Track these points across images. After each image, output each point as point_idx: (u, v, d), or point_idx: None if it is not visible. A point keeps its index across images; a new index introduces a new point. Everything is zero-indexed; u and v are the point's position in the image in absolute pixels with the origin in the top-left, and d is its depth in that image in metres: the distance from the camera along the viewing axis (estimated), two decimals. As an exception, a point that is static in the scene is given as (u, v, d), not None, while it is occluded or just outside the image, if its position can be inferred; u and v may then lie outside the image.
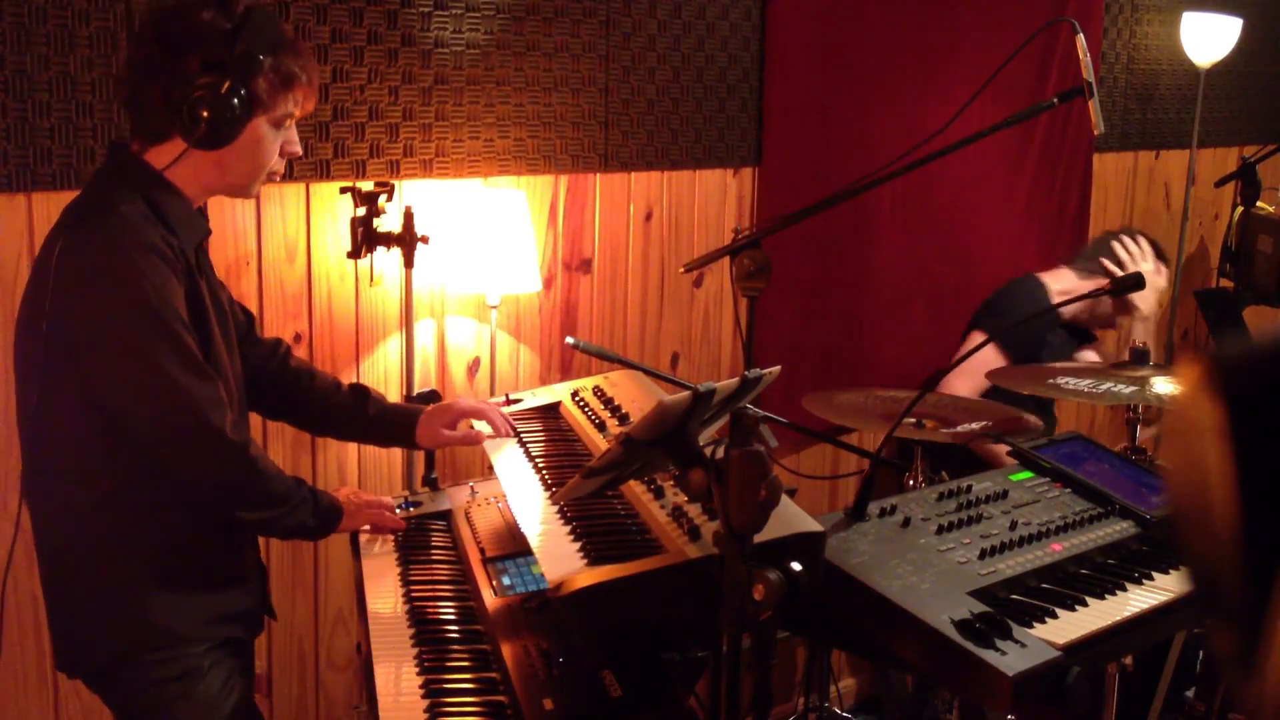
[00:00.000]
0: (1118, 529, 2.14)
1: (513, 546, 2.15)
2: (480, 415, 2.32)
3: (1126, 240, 3.75)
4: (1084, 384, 2.78)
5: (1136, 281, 2.62)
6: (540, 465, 2.13)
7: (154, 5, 2.05)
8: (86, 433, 1.92)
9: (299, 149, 2.05)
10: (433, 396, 2.48)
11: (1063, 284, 3.75)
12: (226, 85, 1.86)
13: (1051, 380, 2.84)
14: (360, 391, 2.33)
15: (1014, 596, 1.87)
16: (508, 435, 2.29)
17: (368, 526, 2.26)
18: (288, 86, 1.95)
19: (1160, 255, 3.78)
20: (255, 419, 2.31)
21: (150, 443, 1.91)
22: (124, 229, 1.86)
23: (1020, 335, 3.50)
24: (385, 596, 2.09)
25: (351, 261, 2.76)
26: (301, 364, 2.33)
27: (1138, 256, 3.71)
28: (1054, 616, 1.82)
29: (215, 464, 1.92)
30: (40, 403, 1.91)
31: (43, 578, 2.04)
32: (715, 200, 3.49)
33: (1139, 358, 2.92)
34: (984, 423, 2.81)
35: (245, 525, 2.10)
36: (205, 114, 1.86)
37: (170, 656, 1.98)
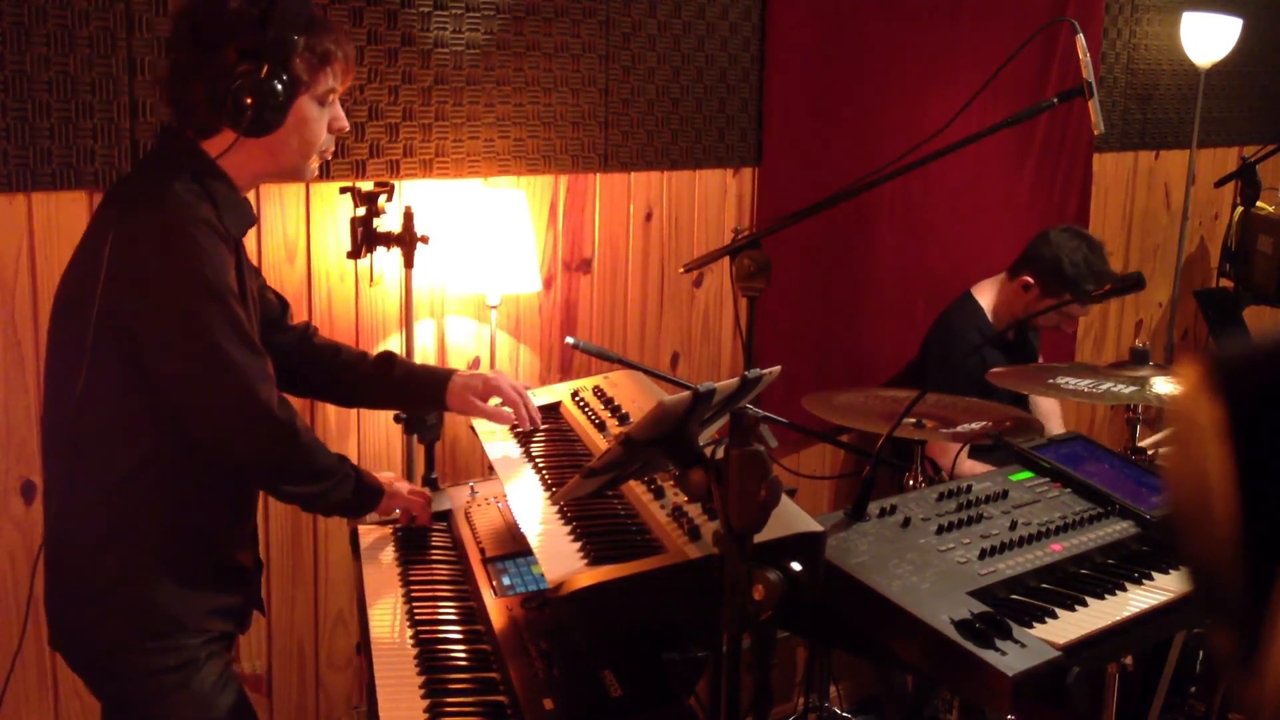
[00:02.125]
0: (1118, 529, 2.14)
1: (513, 546, 2.15)
2: (511, 403, 2.31)
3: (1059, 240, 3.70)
4: (1084, 384, 2.78)
5: (1137, 281, 2.63)
6: (540, 465, 2.13)
7: (183, 3, 2.08)
8: (120, 413, 1.93)
9: (346, 123, 2.07)
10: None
11: (992, 295, 3.79)
12: (265, 70, 1.89)
13: (1051, 380, 2.84)
14: (386, 357, 2.34)
15: (1014, 596, 1.88)
16: (531, 426, 2.29)
17: (397, 511, 2.28)
18: (325, 62, 1.98)
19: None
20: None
21: (199, 417, 1.93)
22: (179, 206, 1.89)
23: (961, 372, 3.48)
24: (385, 596, 2.09)
25: (351, 261, 2.76)
26: (326, 341, 2.36)
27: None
28: (1054, 616, 1.82)
29: (263, 438, 1.94)
30: (85, 386, 1.91)
31: (48, 557, 2.04)
32: (715, 200, 3.49)
33: (1139, 358, 2.92)
34: (984, 423, 2.81)
35: (289, 499, 2.12)
36: (250, 101, 1.88)
37: (171, 645, 1.98)
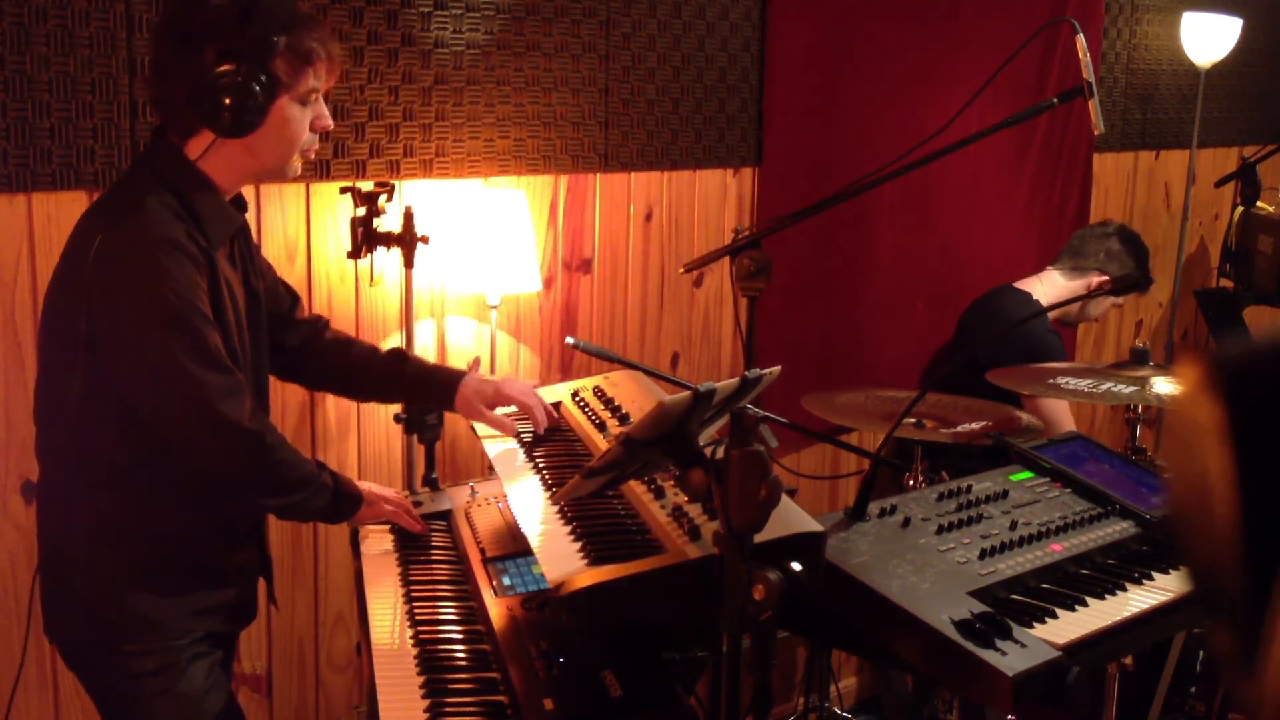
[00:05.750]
0: (1118, 529, 2.14)
1: (513, 546, 2.15)
2: (525, 410, 2.31)
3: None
4: (1084, 384, 2.78)
5: (1141, 278, 2.62)
6: (540, 465, 2.13)
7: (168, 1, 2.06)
8: (103, 414, 1.93)
9: (330, 121, 2.05)
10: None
11: (1051, 289, 3.75)
12: (244, 71, 1.87)
13: (1051, 380, 2.84)
14: (399, 354, 2.36)
15: (1014, 596, 1.88)
16: (545, 425, 2.30)
17: (384, 521, 2.27)
18: (307, 62, 1.95)
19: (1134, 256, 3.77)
20: (274, 404, 2.32)
21: (168, 434, 1.93)
22: (150, 227, 1.88)
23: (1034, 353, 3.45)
24: (385, 596, 2.09)
25: (351, 261, 2.76)
26: (338, 334, 2.37)
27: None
28: (1054, 616, 1.82)
29: (231, 454, 1.94)
30: (83, 386, 1.91)
31: (40, 551, 2.05)
32: (715, 200, 3.49)
33: (1139, 358, 2.92)
34: (984, 423, 2.81)
35: (264, 510, 2.13)
36: (227, 102, 1.87)
37: (149, 648, 1.98)
